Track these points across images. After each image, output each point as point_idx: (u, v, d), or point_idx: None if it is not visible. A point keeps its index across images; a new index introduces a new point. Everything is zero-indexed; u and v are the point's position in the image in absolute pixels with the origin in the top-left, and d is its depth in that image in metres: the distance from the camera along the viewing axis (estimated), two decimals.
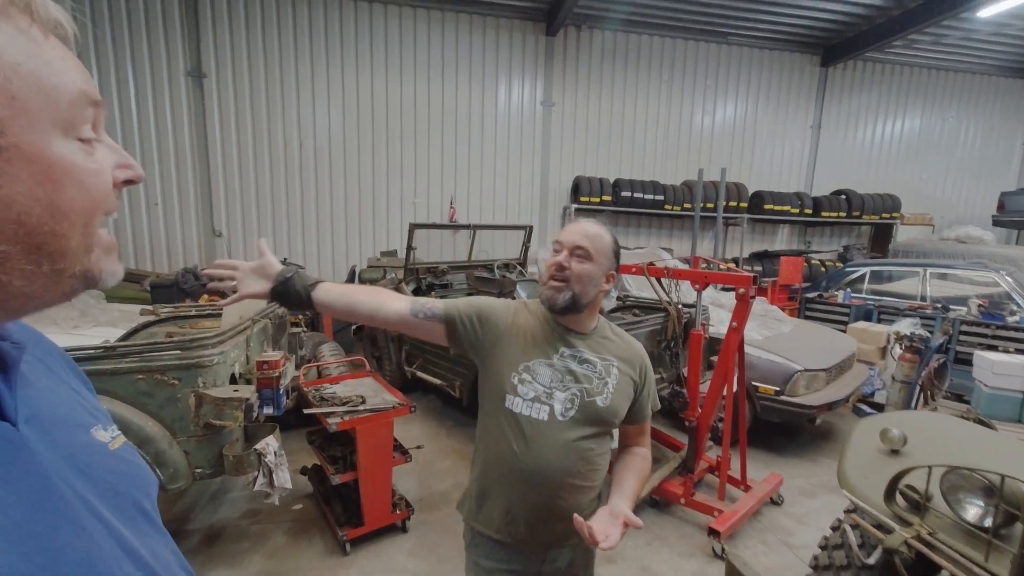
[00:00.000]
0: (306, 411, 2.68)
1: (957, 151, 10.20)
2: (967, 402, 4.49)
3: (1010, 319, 4.96)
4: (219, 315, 2.87)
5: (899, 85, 9.57)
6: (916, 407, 4.09)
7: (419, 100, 7.45)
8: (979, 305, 5.20)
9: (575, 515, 1.08)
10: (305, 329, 3.97)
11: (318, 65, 6.95)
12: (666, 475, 3.04)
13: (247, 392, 2.22)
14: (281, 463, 2.45)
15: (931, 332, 4.91)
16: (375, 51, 7.15)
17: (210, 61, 6.49)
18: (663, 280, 3.33)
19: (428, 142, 7.60)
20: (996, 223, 8.63)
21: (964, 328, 5.08)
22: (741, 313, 2.74)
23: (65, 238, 0.41)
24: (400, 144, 7.49)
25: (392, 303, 1.23)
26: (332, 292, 1.19)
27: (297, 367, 3.21)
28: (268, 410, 2.45)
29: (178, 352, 2.17)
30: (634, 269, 3.27)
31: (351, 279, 6.73)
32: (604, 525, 1.07)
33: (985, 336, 4.96)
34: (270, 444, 2.37)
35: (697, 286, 3.03)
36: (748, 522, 2.92)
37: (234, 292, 1.18)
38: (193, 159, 6.64)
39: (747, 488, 3.09)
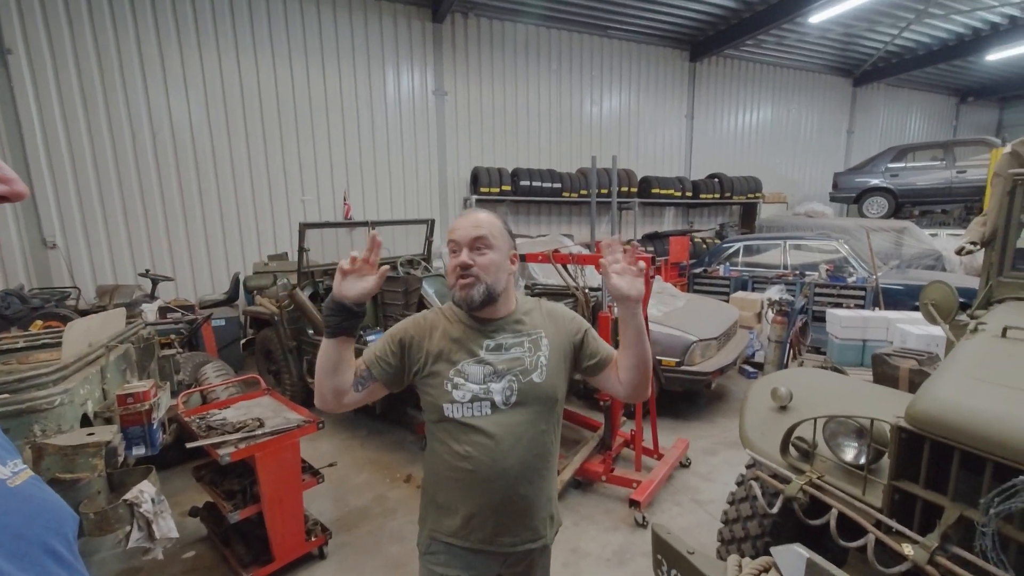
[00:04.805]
0: (189, 445, 2.32)
1: (800, 138, 11.88)
2: (823, 353, 5.25)
3: (849, 280, 5.88)
4: (58, 345, 2.35)
5: (754, 79, 10.84)
6: (787, 362, 4.69)
7: (298, 87, 6.81)
8: (827, 270, 6.10)
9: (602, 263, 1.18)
10: (181, 350, 3.44)
11: (168, 44, 5.99)
12: (586, 456, 3.13)
13: (107, 434, 1.85)
14: (162, 511, 2.08)
15: (794, 296, 5.65)
16: (239, 31, 6.37)
17: (14, 34, 5.27)
18: (569, 266, 3.39)
19: (313, 134, 7.00)
20: (832, 199, 10.23)
21: (817, 290, 5.93)
22: (645, 292, 2.88)
23: None
24: (280, 137, 6.80)
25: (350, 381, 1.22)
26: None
27: (174, 395, 2.77)
28: (139, 451, 2.10)
29: (4, 396, 1.73)
30: (540, 257, 3.30)
31: (235, 287, 6.02)
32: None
33: (832, 295, 5.84)
34: (145, 491, 1.99)
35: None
36: (663, 487, 3.12)
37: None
38: (3, 153, 5.39)
39: (660, 456, 3.29)
